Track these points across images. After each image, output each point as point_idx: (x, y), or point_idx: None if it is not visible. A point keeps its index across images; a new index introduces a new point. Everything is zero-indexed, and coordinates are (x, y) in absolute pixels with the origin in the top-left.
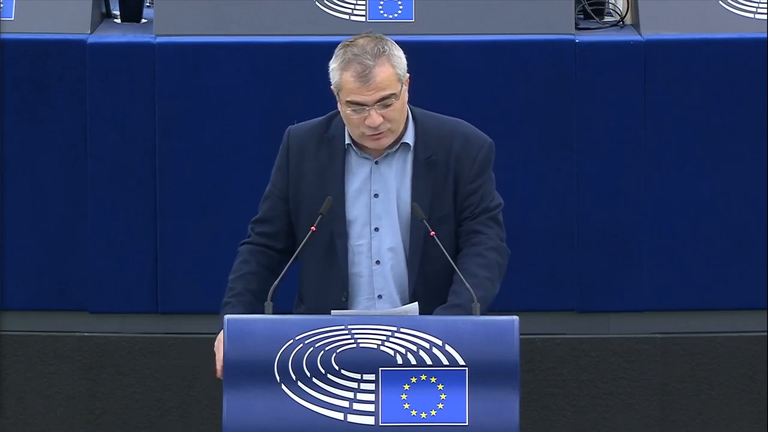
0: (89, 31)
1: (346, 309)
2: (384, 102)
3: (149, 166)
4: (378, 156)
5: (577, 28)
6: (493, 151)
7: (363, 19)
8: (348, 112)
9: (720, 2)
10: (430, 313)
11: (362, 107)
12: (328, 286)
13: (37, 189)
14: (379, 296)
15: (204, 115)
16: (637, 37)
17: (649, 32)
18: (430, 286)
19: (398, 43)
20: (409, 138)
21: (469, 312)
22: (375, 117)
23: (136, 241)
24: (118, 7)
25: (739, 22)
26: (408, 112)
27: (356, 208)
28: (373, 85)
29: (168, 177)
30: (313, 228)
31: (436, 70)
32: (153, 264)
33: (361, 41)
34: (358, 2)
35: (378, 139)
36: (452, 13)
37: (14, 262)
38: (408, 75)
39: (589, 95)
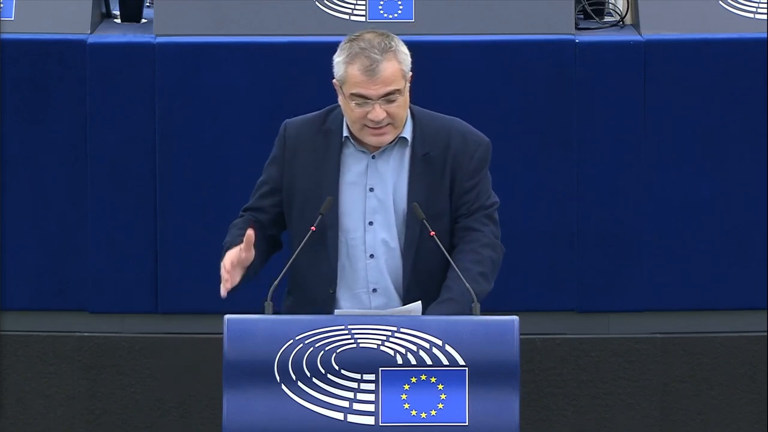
0: (89, 31)
1: (334, 302)
2: (389, 97)
3: (149, 166)
4: (375, 150)
5: (577, 28)
6: (490, 151)
7: (363, 19)
8: (351, 105)
9: (720, 2)
10: (425, 310)
11: (366, 101)
12: (316, 277)
13: (37, 189)
14: (374, 290)
15: (204, 115)
16: (637, 37)
17: (649, 32)
18: (423, 281)
19: None
20: (407, 133)
21: (462, 304)
22: (378, 111)
23: (136, 241)
24: (118, 7)
25: (739, 22)
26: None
27: (350, 201)
28: (379, 79)
29: (168, 177)
30: (312, 228)
31: (436, 70)
32: (153, 264)
33: (367, 36)
34: (358, 2)
35: (380, 135)
36: (452, 13)
37: (14, 262)
38: (411, 73)
39: (589, 95)
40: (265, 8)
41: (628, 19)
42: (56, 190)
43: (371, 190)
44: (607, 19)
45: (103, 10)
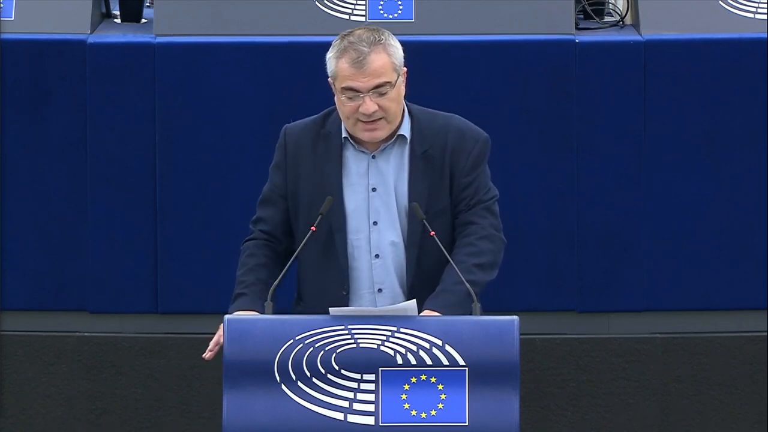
0: (89, 31)
1: (347, 303)
2: (379, 90)
3: (149, 166)
4: (375, 150)
5: (577, 28)
6: (489, 146)
7: (363, 19)
8: (343, 99)
9: (720, 2)
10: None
11: (357, 94)
12: (327, 281)
13: (37, 189)
14: (379, 290)
15: (204, 115)
16: (637, 37)
17: (649, 32)
18: (427, 279)
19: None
20: (406, 131)
21: (456, 294)
22: (369, 104)
23: (136, 241)
24: (118, 7)
25: (739, 22)
26: (404, 106)
27: (354, 202)
28: (368, 71)
29: (168, 177)
30: (312, 228)
31: (436, 70)
32: (153, 264)
33: (358, 31)
34: (358, 2)
35: (372, 130)
36: (452, 13)
37: (14, 262)
38: (405, 68)
39: (589, 95)
40: (265, 8)
41: (628, 19)
42: (56, 190)
43: (374, 189)
44: (607, 19)
45: (103, 10)
